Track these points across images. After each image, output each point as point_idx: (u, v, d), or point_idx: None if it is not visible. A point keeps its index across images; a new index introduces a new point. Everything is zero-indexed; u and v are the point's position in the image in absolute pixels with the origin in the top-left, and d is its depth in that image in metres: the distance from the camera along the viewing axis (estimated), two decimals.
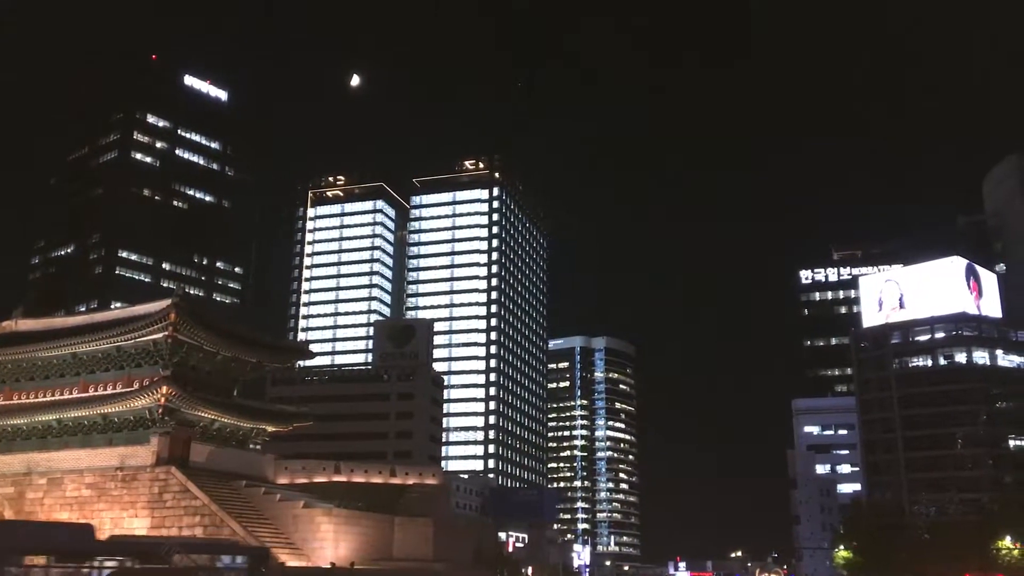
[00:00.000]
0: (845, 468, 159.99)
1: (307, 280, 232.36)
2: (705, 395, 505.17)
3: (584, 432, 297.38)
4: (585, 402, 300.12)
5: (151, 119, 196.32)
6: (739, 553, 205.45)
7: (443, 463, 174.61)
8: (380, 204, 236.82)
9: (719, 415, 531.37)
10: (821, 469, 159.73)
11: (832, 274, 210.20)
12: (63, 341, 66.07)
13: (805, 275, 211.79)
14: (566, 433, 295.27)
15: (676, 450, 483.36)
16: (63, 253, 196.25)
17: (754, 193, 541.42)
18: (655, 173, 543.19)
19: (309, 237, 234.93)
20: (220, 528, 55.81)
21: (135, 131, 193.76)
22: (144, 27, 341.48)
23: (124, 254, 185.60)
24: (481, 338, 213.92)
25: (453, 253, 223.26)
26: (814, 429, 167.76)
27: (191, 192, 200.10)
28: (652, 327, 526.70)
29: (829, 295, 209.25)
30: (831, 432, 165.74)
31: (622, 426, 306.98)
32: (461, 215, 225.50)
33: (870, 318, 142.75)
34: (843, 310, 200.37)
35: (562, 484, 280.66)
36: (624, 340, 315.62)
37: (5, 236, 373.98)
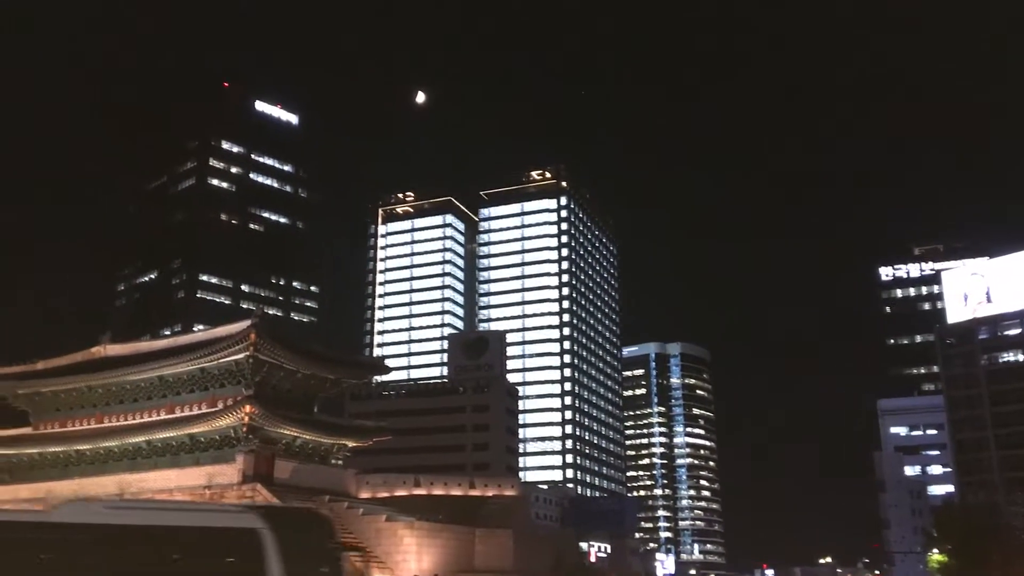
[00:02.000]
0: (936, 469, 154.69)
1: (380, 296, 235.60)
2: (781, 398, 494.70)
3: (662, 439, 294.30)
4: (662, 409, 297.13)
5: (225, 145, 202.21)
6: (828, 559, 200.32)
7: (521, 474, 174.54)
8: (449, 218, 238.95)
9: (799, 418, 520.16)
10: (910, 471, 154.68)
11: (914, 270, 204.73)
12: (150, 365, 68.19)
13: (885, 272, 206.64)
14: (644, 441, 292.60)
15: (757, 455, 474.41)
16: (146, 279, 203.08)
17: (823, 190, 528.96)
18: (730, 175, 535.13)
19: (381, 254, 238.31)
20: None
21: (211, 157, 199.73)
22: (214, 55, 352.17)
23: (204, 278, 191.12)
24: (555, 347, 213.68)
25: (523, 264, 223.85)
26: (901, 430, 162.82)
27: (266, 215, 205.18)
28: (725, 331, 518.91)
29: (912, 291, 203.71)
30: (919, 432, 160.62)
31: (701, 432, 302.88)
32: (529, 225, 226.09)
33: (955, 313, 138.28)
34: (926, 306, 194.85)
35: (642, 492, 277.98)
36: (698, 345, 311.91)
37: (91, 266, 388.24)
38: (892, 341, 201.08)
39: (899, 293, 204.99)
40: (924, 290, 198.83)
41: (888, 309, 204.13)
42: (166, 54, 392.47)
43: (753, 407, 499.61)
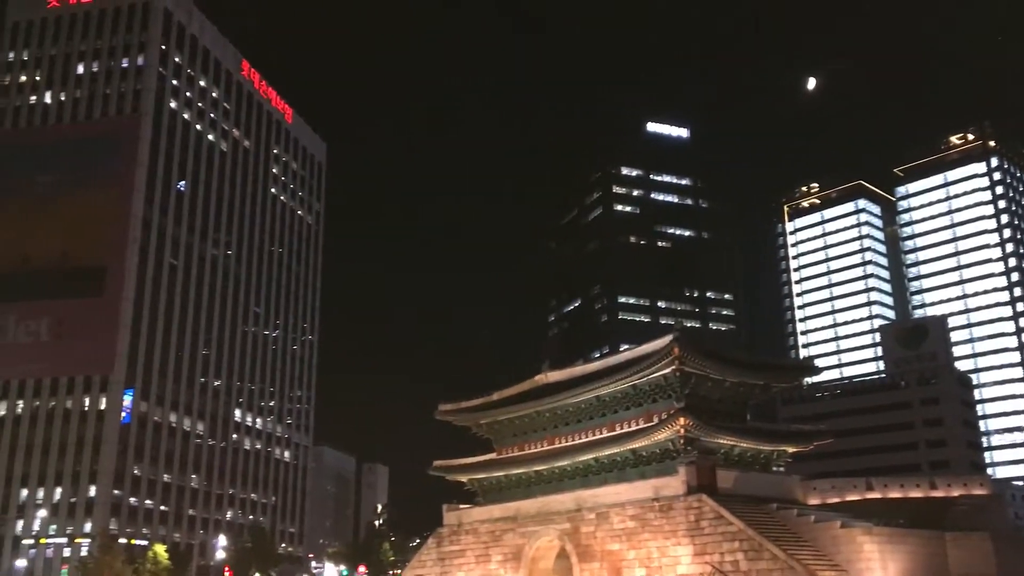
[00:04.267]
0: None
1: (798, 295, 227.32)
2: None
3: None
4: None
5: (625, 171, 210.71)
6: None
7: (989, 471, 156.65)
8: (862, 203, 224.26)
9: None
10: None
11: None
12: (586, 387, 72.09)
13: None
14: None
15: None
16: (572, 308, 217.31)
17: None
18: None
19: (792, 251, 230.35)
20: (760, 552, 55.92)
21: (613, 185, 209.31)
22: (595, 86, 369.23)
23: (623, 299, 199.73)
24: (1008, 326, 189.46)
25: (955, 239, 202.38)
26: None
27: (672, 231, 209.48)
28: None
29: None
30: None
31: None
32: (956, 196, 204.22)
33: None
34: None
35: None
36: None
37: (523, 305, 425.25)
38: None
39: None
40: None
41: None
42: (554, 96, 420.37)
43: None
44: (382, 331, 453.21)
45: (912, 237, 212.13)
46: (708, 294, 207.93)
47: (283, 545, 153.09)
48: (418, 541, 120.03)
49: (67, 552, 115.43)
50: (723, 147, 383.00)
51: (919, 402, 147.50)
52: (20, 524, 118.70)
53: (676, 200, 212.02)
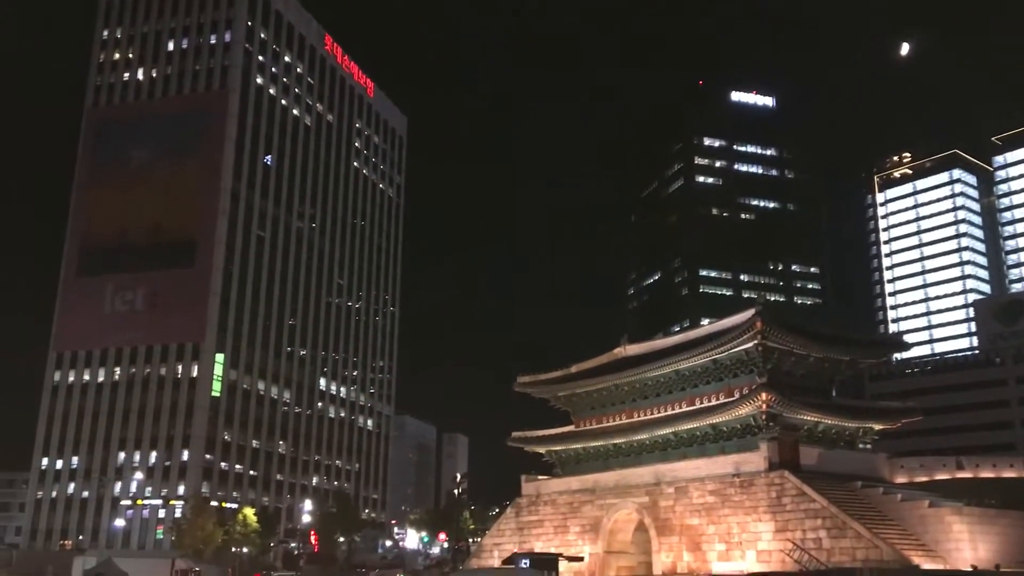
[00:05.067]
0: None
1: (888, 269, 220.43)
2: None
3: None
4: None
5: (707, 141, 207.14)
6: None
7: None
8: (957, 173, 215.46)
9: None
10: None
11: None
12: (666, 361, 71.63)
13: None
14: None
15: None
16: (652, 281, 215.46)
17: None
18: None
19: (882, 223, 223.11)
20: (843, 530, 54.96)
21: (695, 156, 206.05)
22: (680, 58, 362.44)
23: (704, 272, 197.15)
24: None
25: None
26: None
27: (755, 202, 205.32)
28: None
29: None
30: None
31: None
32: None
33: None
34: None
35: None
36: None
37: (608, 276, 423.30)
38: None
39: None
40: None
41: None
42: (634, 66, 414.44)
43: None
44: (464, 304, 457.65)
45: (1010, 208, 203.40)
46: (793, 267, 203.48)
47: (366, 511, 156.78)
48: (497, 510, 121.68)
49: (162, 513, 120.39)
50: (810, 116, 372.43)
51: (1015, 380, 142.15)
52: (118, 486, 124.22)
53: (760, 171, 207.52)
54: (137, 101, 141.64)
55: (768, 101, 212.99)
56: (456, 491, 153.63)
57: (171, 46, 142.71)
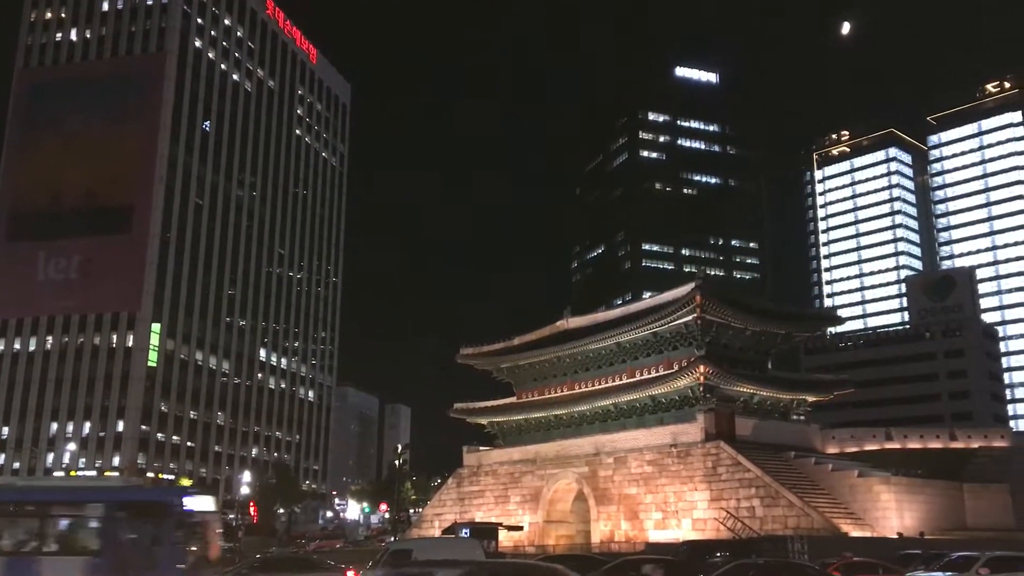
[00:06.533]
0: None
1: (824, 244, 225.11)
2: None
3: None
4: None
5: (652, 116, 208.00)
6: None
7: (1012, 423, 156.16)
8: (893, 151, 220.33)
9: None
10: None
11: None
12: (607, 333, 72.46)
13: None
14: None
15: None
16: (595, 254, 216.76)
17: None
18: None
19: (820, 200, 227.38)
20: (776, 499, 56.42)
21: (639, 131, 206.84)
22: (626, 29, 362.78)
23: (647, 247, 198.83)
24: None
25: (987, 190, 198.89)
26: None
27: (698, 177, 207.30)
28: None
29: None
30: None
31: None
32: (990, 146, 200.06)
33: None
34: None
35: None
36: None
37: (547, 249, 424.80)
38: None
39: None
40: None
41: None
42: (584, 39, 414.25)
43: None
44: (406, 275, 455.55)
45: (943, 187, 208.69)
46: (733, 242, 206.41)
47: (307, 482, 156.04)
48: (439, 481, 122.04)
49: None
50: (753, 93, 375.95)
51: (943, 354, 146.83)
52: (51, 457, 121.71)
53: (703, 147, 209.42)
54: (71, 63, 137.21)
55: (712, 77, 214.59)
56: (398, 462, 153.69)
57: (106, 6, 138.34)
